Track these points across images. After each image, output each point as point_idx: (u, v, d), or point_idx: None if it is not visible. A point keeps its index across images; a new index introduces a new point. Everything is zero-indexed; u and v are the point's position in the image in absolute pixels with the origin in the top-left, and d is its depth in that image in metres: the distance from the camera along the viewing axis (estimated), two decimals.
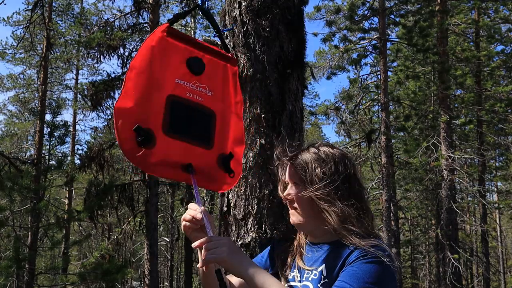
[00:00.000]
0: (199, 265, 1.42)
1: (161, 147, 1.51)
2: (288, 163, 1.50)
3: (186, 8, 12.09)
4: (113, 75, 11.93)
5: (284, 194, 1.51)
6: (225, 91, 1.71)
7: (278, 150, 1.56)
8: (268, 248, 1.66)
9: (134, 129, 1.48)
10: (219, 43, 2.29)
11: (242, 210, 2.37)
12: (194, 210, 1.46)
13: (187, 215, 1.46)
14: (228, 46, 2.06)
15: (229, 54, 1.78)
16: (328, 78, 15.35)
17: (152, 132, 1.50)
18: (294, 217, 1.49)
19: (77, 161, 13.18)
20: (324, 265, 1.41)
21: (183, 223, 1.46)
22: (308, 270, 1.44)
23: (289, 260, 1.52)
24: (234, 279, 1.56)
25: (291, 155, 1.51)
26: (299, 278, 1.45)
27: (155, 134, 1.50)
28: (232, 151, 1.66)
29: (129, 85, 1.53)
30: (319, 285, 1.38)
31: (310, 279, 1.42)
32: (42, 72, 15.28)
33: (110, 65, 73.91)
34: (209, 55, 1.69)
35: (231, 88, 1.73)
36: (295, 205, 1.48)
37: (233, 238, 2.36)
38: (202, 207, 1.46)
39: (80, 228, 19.44)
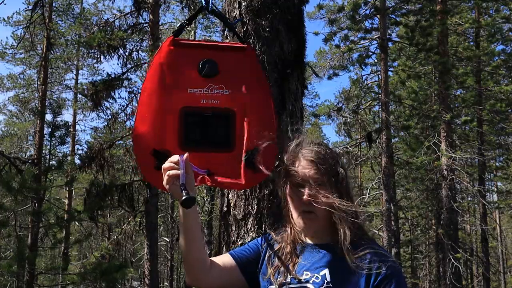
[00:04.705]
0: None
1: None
2: (311, 160, 1.38)
3: (186, 8, 12.05)
4: (113, 75, 11.92)
5: (310, 195, 1.35)
6: (247, 84, 1.64)
7: (296, 145, 1.44)
8: (257, 242, 1.57)
9: (151, 153, 1.50)
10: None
11: (242, 210, 2.36)
12: (171, 158, 1.39)
13: (166, 163, 1.37)
14: (242, 37, 2.02)
15: (245, 45, 1.71)
16: (329, 78, 15.30)
17: (169, 152, 1.50)
18: (310, 221, 1.39)
19: (77, 161, 13.16)
20: (327, 269, 1.37)
21: (166, 175, 1.36)
22: (306, 273, 1.40)
23: (283, 263, 1.45)
24: (218, 260, 1.51)
25: (317, 151, 1.39)
26: (296, 280, 1.40)
27: (172, 153, 1.48)
28: (258, 145, 1.58)
29: (143, 109, 1.55)
30: None
31: (311, 281, 1.37)
32: (42, 72, 15.27)
33: (110, 65, 73.88)
34: (221, 52, 1.65)
35: (253, 78, 1.66)
36: (315, 207, 1.36)
37: (233, 238, 2.36)
38: (186, 154, 1.39)
39: (80, 228, 19.43)
